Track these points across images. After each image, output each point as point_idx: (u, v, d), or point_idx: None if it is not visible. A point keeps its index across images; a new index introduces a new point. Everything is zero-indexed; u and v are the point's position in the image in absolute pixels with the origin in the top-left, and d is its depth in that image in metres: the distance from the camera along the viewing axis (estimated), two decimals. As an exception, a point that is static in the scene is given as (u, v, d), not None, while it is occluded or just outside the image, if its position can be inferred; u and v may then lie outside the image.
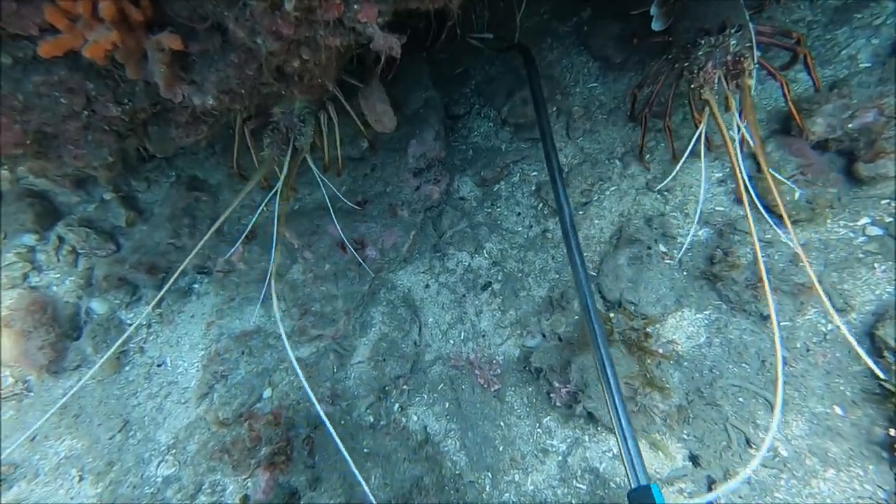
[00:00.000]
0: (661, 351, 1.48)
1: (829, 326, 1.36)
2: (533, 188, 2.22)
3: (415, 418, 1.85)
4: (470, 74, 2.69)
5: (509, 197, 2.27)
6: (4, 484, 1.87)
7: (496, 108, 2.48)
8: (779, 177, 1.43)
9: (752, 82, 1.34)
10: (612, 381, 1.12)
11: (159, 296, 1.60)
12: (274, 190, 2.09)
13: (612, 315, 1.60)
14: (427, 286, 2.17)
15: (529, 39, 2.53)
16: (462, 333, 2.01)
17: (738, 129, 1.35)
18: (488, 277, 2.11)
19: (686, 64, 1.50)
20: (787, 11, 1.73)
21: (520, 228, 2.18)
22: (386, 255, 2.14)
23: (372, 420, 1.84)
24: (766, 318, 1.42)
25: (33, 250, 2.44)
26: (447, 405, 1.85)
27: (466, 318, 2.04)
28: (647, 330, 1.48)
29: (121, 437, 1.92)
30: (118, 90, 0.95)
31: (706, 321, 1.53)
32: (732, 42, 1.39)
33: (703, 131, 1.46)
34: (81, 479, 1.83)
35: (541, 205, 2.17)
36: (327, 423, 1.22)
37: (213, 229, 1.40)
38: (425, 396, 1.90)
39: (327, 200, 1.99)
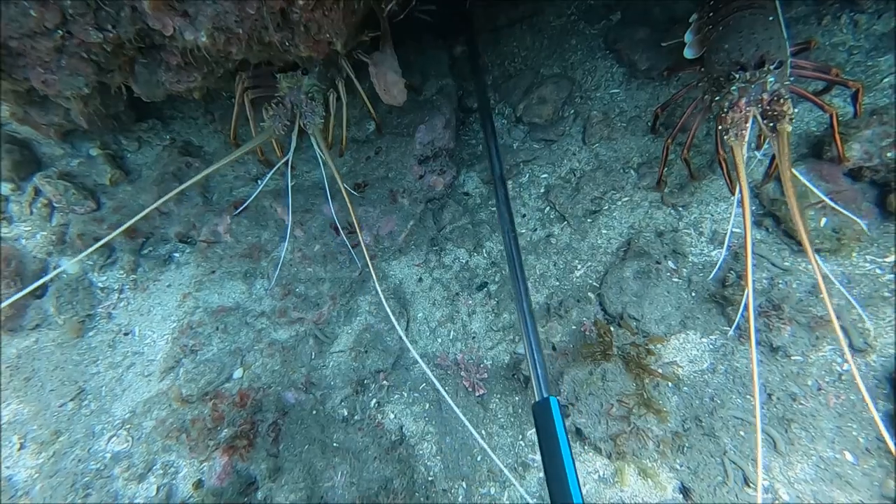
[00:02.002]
0: (660, 371, 1.38)
1: (846, 366, 1.27)
2: (542, 191, 2.13)
3: (391, 416, 1.73)
4: (488, 69, 2.61)
5: (515, 197, 2.18)
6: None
7: (511, 105, 2.39)
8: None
9: (790, 128, 1.23)
10: (523, 293, 1.17)
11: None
12: (275, 168, 1.98)
13: (612, 328, 1.51)
14: (420, 280, 2.06)
15: (553, 40, 2.46)
16: (451, 333, 1.91)
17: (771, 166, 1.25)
18: (485, 278, 2.01)
19: (717, 98, 1.39)
20: (827, 34, 1.67)
21: (523, 230, 2.08)
22: (380, 243, 2.03)
23: (346, 414, 1.72)
24: (776, 349, 1.33)
25: (6, 200, 2.30)
26: (427, 406, 1.74)
27: (458, 318, 1.94)
28: (650, 347, 1.39)
29: (73, 405, 1.78)
30: (99, 14, 0.84)
31: (711, 346, 1.44)
32: (770, 79, 1.28)
33: (735, 173, 1.32)
34: (22, 447, 1.68)
35: (548, 208, 2.08)
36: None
37: (181, 187, 1.30)
38: (405, 395, 1.78)
39: (325, 181, 1.88)
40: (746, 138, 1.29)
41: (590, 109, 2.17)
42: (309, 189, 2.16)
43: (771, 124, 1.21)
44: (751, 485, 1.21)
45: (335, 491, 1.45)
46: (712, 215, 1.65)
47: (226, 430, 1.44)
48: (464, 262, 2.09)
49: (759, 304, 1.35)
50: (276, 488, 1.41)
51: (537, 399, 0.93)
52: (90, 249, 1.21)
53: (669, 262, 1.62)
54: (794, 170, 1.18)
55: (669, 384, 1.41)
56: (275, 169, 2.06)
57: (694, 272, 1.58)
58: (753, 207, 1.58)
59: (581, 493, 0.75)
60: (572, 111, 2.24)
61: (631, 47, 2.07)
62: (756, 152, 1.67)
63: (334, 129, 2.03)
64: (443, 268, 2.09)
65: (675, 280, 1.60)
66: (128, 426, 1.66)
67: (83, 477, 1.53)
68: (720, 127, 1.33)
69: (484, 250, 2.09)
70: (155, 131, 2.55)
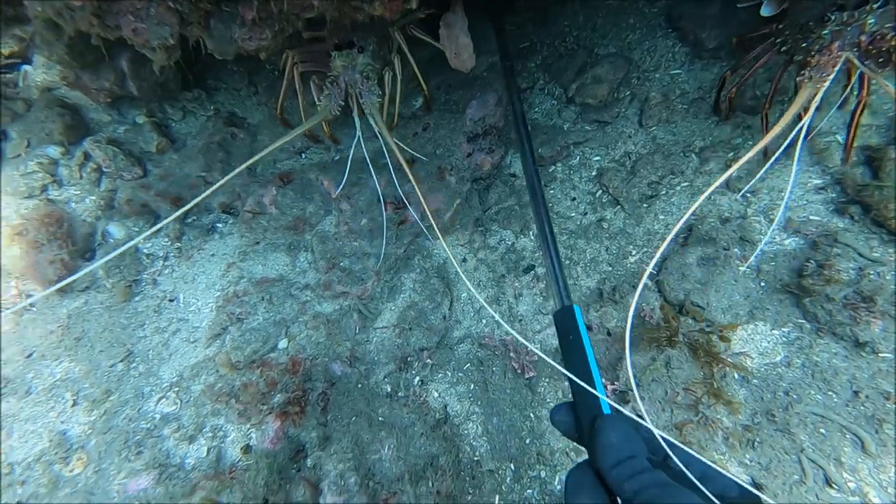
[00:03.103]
0: (731, 361, 1.32)
1: (948, 366, 1.19)
2: (593, 174, 2.06)
3: (435, 394, 1.71)
4: (536, 49, 2.53)
5: (565, 180, 2.11)
6: (-6, 396, 1.76)
7: (562, 85, 2.31)
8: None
9: None
10: (540, 197, 1.09)
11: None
12: (352, 146, 1.94)
13: (678, 315, 1.44)
14: (464, 260, 2.02)
15: (609, 19, 2.36)
16: (497, 315, 1.86)
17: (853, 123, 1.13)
18: (532, 261, 1.96)
19: (804, 45, 1.28)
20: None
21: (573, 214, 2.02)
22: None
23: (389, 390, 1.70)
24: (862, 344, 1.25)
25: (56, 163, 2.33)
26: (472, 386, 1.71)
27: (503, 300, 1.89)
28: (725, 334, 1.32)
29: (122, 367, 1.80)
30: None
31: (784, 339, 1.37)
32: (871, 20, 1.16)
33: (805, 124, 1.24)
34: (75, 403, 1.71)
35: (599, 192, 2.01)
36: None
37: (244, 166, 1.27)
38: (449, 374, 1.75)
39: (387, 156, 1.83)
40: (826, 84, 1.19)
41: (648, 90, 2.08)
42: (356, 163, 2.13)
43: (881, 59, 1.11)
44: (833, 485, 1.15)
45: (382, 463, 1.44)
46: (785, 202, 1.56)
47: (279, 396, 1.44)
48: (510, 243, 2.04)
49: (844, 295, 1.27)
50: (325, 457, 1.40)
51: (558, 307, 0.88)
52: (177, 213, 1.19)
53: (736, 250, 1.54)
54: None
55: (736, 375, 1.34)
56: (353, 146, 2.00)
57: (764, 261, 1.50)
58: (834, 195, 1.48)
59: (608, 401, 0.70)
60: (628, 92, 2.15)
61: (698, 24, 1.96)
62: (837, 136, 1.57)
63: (388, 107, 1.99)
64: (488, 249, 2.04)
65: (743, 269, 1.52)
66: (176, 389, 1.67)
67: (135, 435, 1.54)
68: (801, 72, 1.22)
69: (531, 233, 2.04)
70: (199, 101, 2.56)
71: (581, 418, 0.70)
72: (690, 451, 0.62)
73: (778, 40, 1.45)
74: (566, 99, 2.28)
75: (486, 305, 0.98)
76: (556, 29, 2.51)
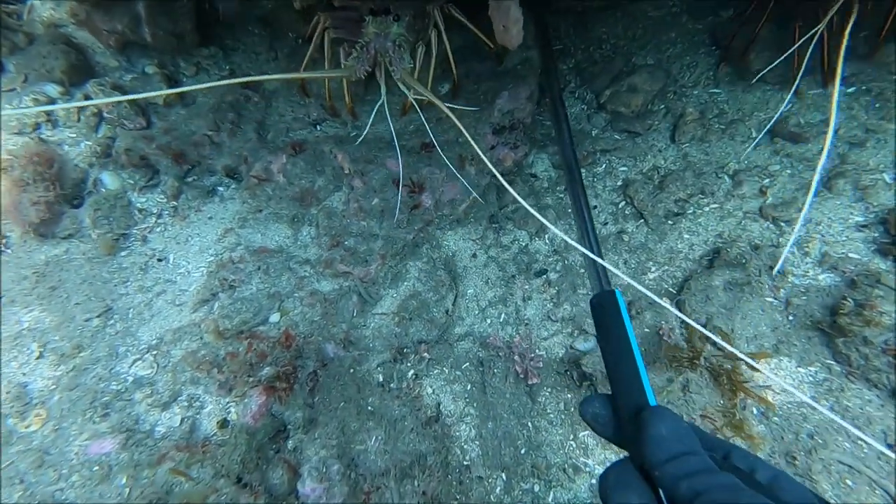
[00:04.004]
0: (755, 393, 1.24)
1: None
2: (619, 184, 1.98)
3: (429, 390, 1.60)
4: (570, 52, 2.46)
5: (588, 187, 2.03)
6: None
7: (595, 91, 2.24)
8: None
9: None
10: (577, 172, 1.04)
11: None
12: (372, 113, 1.83)
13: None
14: (474, 255, 1.93)
15: (649, 31, 2.30)
16: (503, 315, 1.77)
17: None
18: (545, 265, 1.87)
19: None
20: None
21: (593, 222, 1.93)
22: (440, 209, 1.90)
23: (382, 379, 1.60)
24: (898, 392, 1.18)
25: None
26: (469, 387, 1.61)
27: (511, 301, 1.80)
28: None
29: (98, 322, 1.67)
30: None
31: (811, 378, 1.29)
32: None
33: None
34: (41, 356, 1.58)
35: (623, 203, 1.93)
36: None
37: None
38: (446, 371, 1.65)
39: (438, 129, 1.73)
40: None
41: (684, 106, 2.01)
42: (373, 142, 2.03)
43: None
44: (857, 539, 1.07)
45: (368, 455, 1.33)
46: (823, 236, 1.49)
47: (268, 369, 1.32)
48: (523, 244, 1.95)
49: (885, 340, 1.20)
50: (307, 440, 1.29)
51: (597, 291, 0.80)
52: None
53: (766, 278, 1.46)
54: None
55: (755, 410, 1.26)
56: (373, 114, 1.89)
57: (794, 294, 1.42)
58: (876, 234, 1.42)
59: (653, 392, 0.61)
60: (663, 106, 2.08)
61: (745, 44, 1.89)
62: (884, 175, 1.51)
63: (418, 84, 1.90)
64: (500, 247, 1.95)
65: (770, 299, 1.44)
66: (154, 352, 1.55)
67: (103, 396, 1.42)
68: None
69: (546, 236, 1.95)
70: (214, 59, 2.45)
71: (621, 411, 0.61)
72: (755, 454, 0.52)
73: None
74: (597, 105, 2.21)
75: (536, 214, 0.87)
76: (594, 35, 2.45)
